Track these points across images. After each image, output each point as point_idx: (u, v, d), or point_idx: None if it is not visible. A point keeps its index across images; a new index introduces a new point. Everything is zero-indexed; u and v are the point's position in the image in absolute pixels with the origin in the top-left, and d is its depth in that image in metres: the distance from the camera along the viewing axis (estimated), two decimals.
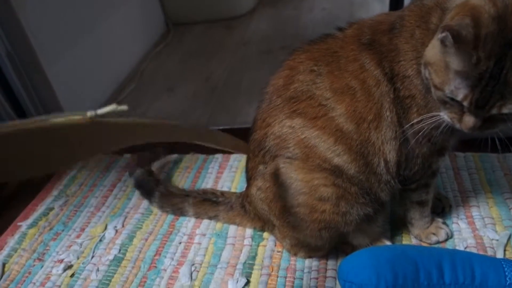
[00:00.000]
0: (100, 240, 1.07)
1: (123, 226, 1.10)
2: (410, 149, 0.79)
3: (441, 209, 0.98)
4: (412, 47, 0.73)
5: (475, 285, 0.73)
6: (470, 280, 0.73)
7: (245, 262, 0.95)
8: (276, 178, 0.83)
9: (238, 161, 1.26)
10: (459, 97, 0.64)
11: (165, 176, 1.25)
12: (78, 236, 1.09)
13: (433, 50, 0.67)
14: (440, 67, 0.65)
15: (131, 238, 1.06)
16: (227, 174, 1.22)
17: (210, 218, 1.05)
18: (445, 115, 0.69)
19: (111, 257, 1.01)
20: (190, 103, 1.70)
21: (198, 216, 1.06)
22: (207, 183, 1.20)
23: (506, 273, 0.73)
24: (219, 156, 1.30)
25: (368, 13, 2.06)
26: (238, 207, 1.00)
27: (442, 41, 0.63)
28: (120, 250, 1.03)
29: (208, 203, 1.04)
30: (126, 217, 1.13)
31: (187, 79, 1.89)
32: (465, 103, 0.64)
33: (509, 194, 1.00)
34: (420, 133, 0.77)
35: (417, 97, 0.75)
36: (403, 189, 0.86)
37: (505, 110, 0.62)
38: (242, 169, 1.20)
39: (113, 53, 1.84)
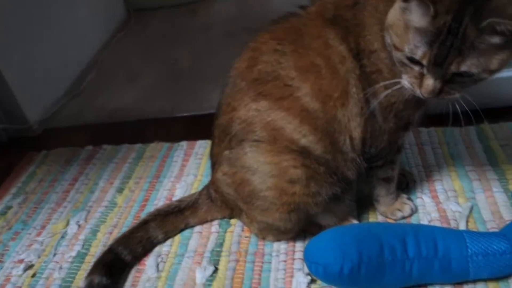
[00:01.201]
0: (62, 237, 1.03)
1: (86, 220, 1.07)
2: (377, 126, 0.79)
3: (406, 185, 0.99)
4: (377, 20, 0.72)
5: (438, 257, 0.74)
6: (433, 252, 0.74)
7: (212, 250, 0.93)
8: (243, 162, 0.81)
9: (203, 147, 1.23)
10: (418, 54, 0.63)
11: (127, 168, 1.22)
12: (38, 234, 1.05)
13: (394, 13, 0.67)
14: (400, 27, 0.65)
15: (94, 232, 1.03)
16: (192, 161, 1.20)
17: (181, 230, 0.97)
18: (405, 81, 0.69)
19: (74, 253, 0.98)
20: (154, 91, 1.66)
21: (168, 235, 0.96)
22: (172, 172, 1.17)
23: (468, 244, 0.74)
24: (184, 144, 1.27)
25: None
26: (204, 201, 0.96)
27: None
28: (83, 245, 1.00)
29: (173, 215, 0.96)
30: (89, 212, 1.09)
31: (150, 67, 1.83)
32: (424, 61, 0.63)
33: (471, 167, 1.02)
34: (387, 108, 0.77)
35: (383, 71, 0.74)
36: (370, 166, 0.86)
37: (463, 67, 0.62)
38: (208, 155, 1.18)
39: (70, 42, 1.76)
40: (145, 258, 0.94)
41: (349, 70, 0.75)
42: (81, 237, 1.02)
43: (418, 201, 0.96)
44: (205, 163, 1.17)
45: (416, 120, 0.84)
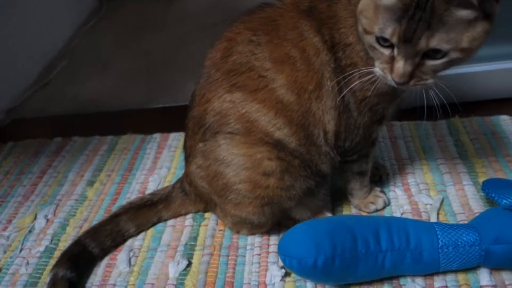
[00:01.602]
0: (30, 231, 1.00)
1: (54, 215, 1.03)
2: (352, 119, 0.79)
3: (379, 178, 1.00)
4: (351, 13, 0.72)
5: (410, 249, 0.75)
6: (405, 244, 0.75)
7: (186, 244, 0.92)
8: (217, 155, 0.80)
9: (177, 140, 1.21)
10: (388, 32, 0.63)
11: (99, 160, 1.18)
12: (4, 229, 1.01)
13: (365, 4, 0.67)
14: (370, 10, 0.65)
15: (63, 227, 1.00)
16: (166, 154, 1.18)
17: (154, 223, 0.95)
18: (377, 68, 0.68)
19: (42, 248, 0.95)
20: (127, 82, 1.62)
21: (141, 228, 0.94)
22: (145, 164, 1.15)
23: (438, 236, 0.76)
24: (157, 136, 1.25)
25: None
26: (178, 194, 0.95)
27: None
28: (52, 240, 0.97)
29: (145, 209, 0.93)
30: (58, 205, 1.06)
31: (123, 56, 1.78)
32: (394, 39, 0.63)
33: (442, 160, 1.04)
34: (362, 102, 0.77)
35: (358, 64, 0.74)
36: (344, 160, 0.86)
37: (433, 43, 0.62)
38: (181, 148, 1.16)
39: (38, 30, 1.69)
40: (117, 253, 0.92)
41: (323, 62, 0.74)
42: (50, 231, 0.99)
43: (391, 194, 0.97)
44: (179, 156, 1.15)
45: (390, 114, 0.84)
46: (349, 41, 0.73)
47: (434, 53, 0.63)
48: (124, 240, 0.93)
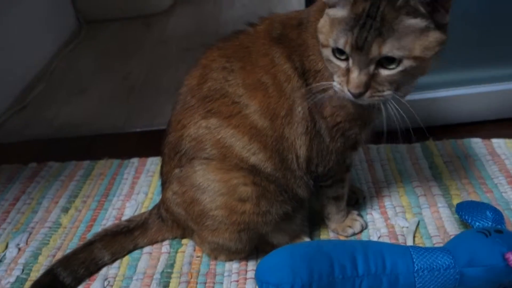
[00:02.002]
0: (0, 261, 0.96)
1: (27, 243, 1.00)
2: (324, 145, 0.80)
3: (356, 201, 1.01)
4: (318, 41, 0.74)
5: (386, 274, 0.75)
6: (382, 269, 0.75)
7: (162, 271, 0.90)
8: (193, 181, 0.80)
9: (155, 164, 1.20)
10: (341, 42, 0.65)
11: (74, 186, 1.16)
12: None
13: (322, 20, 0.70)
14: (327, 26, 0.68)
15: (36, 256, 0.97)
16: (143, 179, 1.16)
17: (130, 251, 0.93)
18: (335, 82, 0.70)
19: (12, 279, 0.91)
20: (106, 105, 1.60)
21: (116, 256, 0.92)
22: (122, 190, 1.13)
23: (414, 259, 0.76)
24: (135, 161, 1.23)
25: (286, 8, 2.09)
26: (155, 221, 0.93)
27: None
28: (23, 270, 0.94)
29: (121, 236, 0.92)
30: (30, 233, 1.03)
31: (102, 79, 1.78)
32: (347, 48, 0.65)
33: (417, 183, 1.05)
34: (334, 128, 0.78)
35: (329, 90, 0.75)
36: (319, 185, 0.87)
37: (385, 50, 0.63)
38: (159, 173, 1.15)
39: (16, 53, 1.68)
40: (91, 282, 0.89)
41: (294, 89, 0.76)
42: (21, 261, 0.96)
43: (368, 217, 0.98)
44: (157, 181, 1.14)
45: (365, 139, 0.86)
46: (318, 68, 0.75)
47: (388, 63, 0.65)
48: (98, 269, 0.91)
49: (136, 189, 1.13)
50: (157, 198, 1.00)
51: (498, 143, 1.15)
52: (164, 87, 1.65)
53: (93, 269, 0.90)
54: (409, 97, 1.20)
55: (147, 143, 1.31)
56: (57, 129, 1.49)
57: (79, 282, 0.89)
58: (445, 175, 1.07)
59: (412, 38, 0.63)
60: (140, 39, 2.08)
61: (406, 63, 0.64)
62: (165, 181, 0.87)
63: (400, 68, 0.65)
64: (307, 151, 0.79)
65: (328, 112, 0.76)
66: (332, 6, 0.68)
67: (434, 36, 0.64)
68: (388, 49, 0.63)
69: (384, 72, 0.66)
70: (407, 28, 0.63)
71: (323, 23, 0.69)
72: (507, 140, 1.15)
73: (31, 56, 1.80)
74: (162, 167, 0.89)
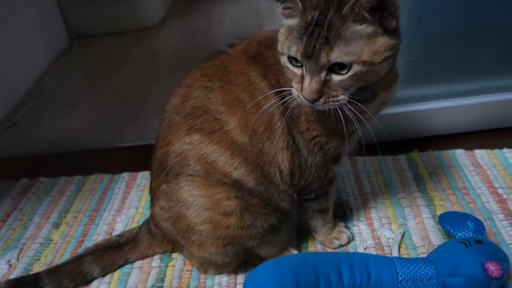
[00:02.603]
0: None
1: (18, 259, 1.01)
2: (303, 159, 0.82)
3: (342, 213, 1.03)
4: None
5: (371, 285, 0.77)
6: (367, 280, 0.77)
7: (153, 286, 0.91)
8: (179, 196, 0.82)
9: (145, 179, 1.22)
10: (293, 50, 0.67)
11: (65, 201, 1.17)
12: None
13: (281, 29, 0.72)
14: (283, 35, 0.70)
15: (27, 272, 0.97)
16: (134, 193, 1.18)
17: (120, 266, 0.94)
18: (294, 89, 0.72)
19: None
20: (96, 120, 1.62)
21: (106, 270, 0.93)
22: (113, 204, 1.15)
23: (398, 271, 0.78)
24: (125, 175, 1.25)
25: (275, 24, 2.12)
26: (145, 236, 0.95)
27: (284, 7, 0.69)
28: None
29: (111, 250, 0.93)
30: (21, 249, 1.04)
31: (93, 95, 1.79)
32: (298, 55, 0.67)
33: (402, 194, 1.08)
34: (311, 142, 0.80)
35: (303, 105, 0.77)
36: (304, 199, 0.89)
37: (333, 56, 0.65)
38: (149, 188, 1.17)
39: (6, 69, 1.69)
40: None
41: (272, 105, 0.78)
42: (12, 277, 0.96)
43: (354, 229, 1.00)
44: (147, 195, 1.14)
45: (348, 152, 0.88)
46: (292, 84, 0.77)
47: (339, 68, 0.67)
48: (86, 282, 0.92)
49: (126, 203, 1.15)
50: (148, 213, 1.02)
51: (481, 154, 1.18)
52: (154, 102, 1.67)
53: (80, 281, 0.91)
54: (395, 110, 1.25)
55: (138, 158, 1.33)
56: (48, 144, 1.50)
57: None
58: (430, 186, 1.10)
59: (360, 44, 0.65)
60: (130, 53, 2.11)
61: (356, 68, 0.66)
62: (153, 196, 0.89)
63: (350, 73, 0.67)
64: (290, 165, 0.82)
65: (304, 127, 0.79)
66: (287, 14, 0.70)
67: (382, 41, 0.67)
68: (336, 55, 0.65)
69: (336, 78, 0.68)
70: (354, 34, 0.65)
71: (280, 33, 0.72)
72: (489, 151, 1.19)
73: (21, 72, 1.82)
74: (151, 183, 0.90)
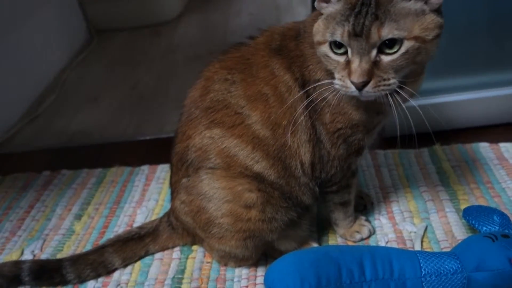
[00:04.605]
0: None
1: (41, 250, 1.03)
2: (325, 152, 0.81)
3: (363, 207, 1.02)
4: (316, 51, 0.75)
5: (394, 279, 0.76)
6: (389, 274, 0.76)
7: (173, 277, 0.92)
8: (200, 189, 0.82)
9: (165, 171, 1.22)
10: (338, 33, 0.65)
11: (87, 193, 1.19)
12: None
13: (316, 24, 0.71)
14: (322, 25, 0.69)
15: None
16: (154, 186, 1.19)
17: (141, 257, 0.95)
18: (337, 80, 0.69)
19: None
20: (116, 113, 1.63)
21: (127, 261, 0.94)
22: (133, 197, 1.16)
23: (421, 265, 0.77)
24: (145, 168, 1.26)
25: (293, 17, 2.12)
26: (165, 228, 0.95)
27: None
28: None
29: (132, 242, 0.93)
30: (45, 240, 1.06)
31: (112, 88, 1.81)
32: (345, 37, 0.65)
33: (424, 188, 1.06)
34: (334, 134, 0.79)
35: (328, 97, 0.76)
36: (325, 191, 0.88)
37: (384, 32, 0.63)
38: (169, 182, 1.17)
39: (29, 64, 1.72)
40: (104, 287, 0.91)
41: (296, 99, 0.77)
42: (38, 259, 0.98)
43: (375, 223, 0.99)
44: (167, 188, 1.15)
45: (369, 144, 0.86)
46: (317, 77, 0.76)
47: (389, 47, 0.64)
48: (107, 272, 0.93)
49: (147, 196, 1.16)
50: (168, 205, 1.02)
51: (506, 147, 1.15)
52: (172, 95, 1.68)
53: (101, 271, 0.92)
54: (417, 102, 1.23)
55: (157, 151, 1.34)
56: (69, 137, 1.52)
57: (82, 282, 0.91)
58: (453, 180, 1.07)
59: (410, 20, 0.64)
60: (149, 48, 2.12)
61: (408, 44, 0.64)
62: (173, 190, 0.89)
63: (402, 51, 0.64)
64: (311, 157, 0.81)
65: (328, 119, 0.78)
66: (324, 7, 0.69)
67: (431, 18, 0.65)
68: (388, 30, 0.63)
69: (386, 58, 0.65)
70: (402, 10, 0.64)
71: (317, 25, 0.70)
72: None
73: (43, 67, 1.85)
74: (171, 177, 0.91)
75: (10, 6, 1.64)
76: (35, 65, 1.77)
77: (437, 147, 1.18)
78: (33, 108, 1.69)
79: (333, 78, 0.71)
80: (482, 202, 1.00)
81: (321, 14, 0.71)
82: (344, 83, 0.68)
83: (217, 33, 2.16)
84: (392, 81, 0.66)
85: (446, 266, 0.76)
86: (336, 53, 0.68)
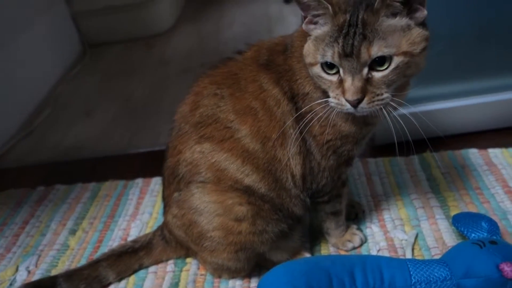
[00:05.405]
0: (11, 284, 0.99)
1: (36, 266, 1.03)
2: (316, 163, 0.82)
3: (355, 215, 1.03)
4: (304, 65, 0.76)
5: (384, 287, 0.77)
6: (380, 283, 0.77)
7: None
8: (191, 204, 0.83)
9: (159, 184, 1.23)
10: (329, 55, 0.67)
11: (81, 208, 1.19)
12: None
13: (306, 45, 0.72)
14: (312, 47, 0.71)
15: None
16: (148, 199, 1.19)
17: (135, 270, 0.96)
18: (331, 99, 0.71)
19: None
20: (109, 127, 1.64)
21: (121, 275, 0.94)
22: (128, 210, 1.16)
23: (411, 273, 0.78)
24: (139, 181, 1.27)
25: (285, 27, 2.14)
26: (159, 241, 0.96)
27: (309, 21, 0.70)
28: None
29: (126, 256, 0.94)
30: (40, 256, 1.06)
31: (106, 102, 1.82)
32: (335, 58, 0.67)
33: (415, 195, 1.07)
34: (324, 146, 0.80)
35: (318, 110, 0.78)
36: (316, 202, 0.89)
37: (374, 50, 0.65)
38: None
39: (22, 79, 1.73)
40: None
41: (285, 112, 0.78)
42: (30, 281, 0.98)
43: (367, 231, 1.00)
44: (161, 200, 1.16)
45: (360, 153, 0.88)
46: (306, 91, 0.78)
47: (379, 64, 0.67)
48: (102, 287, 0.94)
49: (141, 209, 1.16)
50: (162, 218, 1.03)
51: (495, 153, 1.17)
52: (166, 107, 1.69)
53: (96, 286, 0.92)
54: (406, 110, 1.24)
55: (151, 163, 1.34)
56: (63, 152, 1.53)
57: None
58: (443, 187, 1.09)
59: (397, 36, 0.66)
60: (142, 60, 2.14)
61: (397, 60, 0.66)
62: (166, 204, 0.91)
63: (392, 66, 0.67)
64: (302, 169, 0.82)
65: (318, 131, 0.79)
66: (312, 29, 0.71)
67: (417, 32, 0.67)
68: (377, 49, 0.65)
69: (378, 74, 0.67)
70: (389, 28, 0.66)
71: (307, 47, 0.72)
72: (504, 150, 1.17)
73: (37, 82, 1.86)
74: (163, 191, 0.92)
75: (3, 21, 1.66)
76: (29, 80, 1.78)
77: (427, 154, 1.19)
78: (27, 123, 1.70)
79: (327, 95, 0.73)
80: (471, 208, 1.01)
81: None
82: (339, 101, 0.70)
83: (210, 43, 2.18)
84: (385, 95, 0.69)
85: (436, 274, 0.77)
86: (328, 73, 0.70)
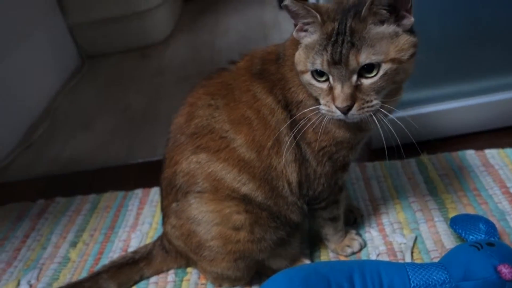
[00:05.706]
0: None
1: (38, 279, 1.04)
2: (311, 170, 0.83)
3: (354, 220, 1.03)
4: (296, 73, 0.77)
5: None
6: (379, 287, 0.77)
7: None
8: (189, 214, 0.83)
9: (158, 194, 1.23)
10: (318, 63, 0.68)
11: (81, 220, 1.20)
12: None
13: (297, 53, 0.73)
14: (302, 55, 0.72)
15: None
16: (148, 209, 1.20)
17: (136, 282, 0.96)
18: (322, 106, 0.72)
19: None
20: (107, 138, 1.65)
21: (122, 287, 0.94)
22: (128, 221, 1.17)
23: (410, 277, 0.78)
24: (139, 192, 1.27)
25: (280, 33, 2.15)
26: (159, 252, 0.96)
27: (300, 29, 0.71)
28: None
29: (127, 267, 0.94)
30: (41, 269, 1.07)
31: (104, 113, 1.83)
32: (325, 66, 0.68)
33: (413, 198, 1.07)
34: (319, 153, 0.81)
35: (312, 118, 0.78)
36: (314, 208, 0.90)
37: (362, 58, 0.66)
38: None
39: (20, 93, 1.74)
40: None
41: (279, 120, 0.79)
42: None
43: (366, 236, 1.00)
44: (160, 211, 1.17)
45: (356, 158, 0.88)
46: (300, 98, 0.79)
47: (367, 72, 0.68)
48: None
49: (140, 219, 1.17)
50: (161, 228, 1.03)
51: (491, 154, 1.17)
52: (163, 117, 1.70)
53: None
54: (401, 113, 1.24)
55: (150, 174, 1.34)
56: (63, 165, 1.53)
57: None
58: (441, 189, 1.09)
59: (385, 43, 0.67)
60: (139, 70, 2.15)
61: (385, 67, 0.67)
62: (164, 215, 0.91)
63: (381, 73, 0.67)
64: (298, 176, 0.82)
65: (312, 138, 0.80)
66: (302, 36, 0.72)
67: (405, 38, 0.68)
68: (365, 56, 0.66)
69: (367, 81, 0.68)
70: (377, 35, 0.67)
71: (298, 55, 0.73)
72: (500, 150, 1.18)
73: (35, 95, 1.87)
74: (161, 201, 0.92)
75: (0, 34, 1.67)
76: (27, 93, 1.79)
77: (423, 157, 1.20)
78: (26, 137, 1.71)
79: (319, 103, 0.74)
80: (469, 209, 1.02)
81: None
82: (329, 108, 0.71)
83: (205, 52, 2.19)
84: (374, 102, 0.70)
85: (434, 277, 0.78)
86: (318, 81, 0.71)
